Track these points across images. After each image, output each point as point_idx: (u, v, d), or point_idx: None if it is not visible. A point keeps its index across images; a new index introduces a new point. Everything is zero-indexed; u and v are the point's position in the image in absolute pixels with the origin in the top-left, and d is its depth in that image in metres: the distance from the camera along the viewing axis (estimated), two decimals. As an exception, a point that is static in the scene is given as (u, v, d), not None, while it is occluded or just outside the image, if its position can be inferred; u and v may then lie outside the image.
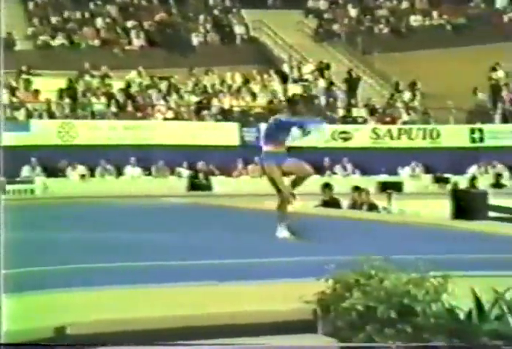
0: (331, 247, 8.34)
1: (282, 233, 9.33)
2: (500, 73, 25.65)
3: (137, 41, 27.69)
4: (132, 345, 4.76)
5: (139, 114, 23.85)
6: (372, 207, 14.93)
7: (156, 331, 4.94)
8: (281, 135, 9.55)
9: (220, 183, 22.36)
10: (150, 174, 22.69)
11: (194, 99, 24.80)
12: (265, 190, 20.76)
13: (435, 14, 30.40)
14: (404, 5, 31.04)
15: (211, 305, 5.38)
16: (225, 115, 24.35)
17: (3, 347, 4.53)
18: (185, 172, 22.74)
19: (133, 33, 27.85)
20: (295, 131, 9.79)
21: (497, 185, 21.75)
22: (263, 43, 29.16)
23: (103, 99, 23.91)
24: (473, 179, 20.87)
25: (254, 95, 25.04)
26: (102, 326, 4.85)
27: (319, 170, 22.98)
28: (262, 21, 29.33)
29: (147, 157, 22.58)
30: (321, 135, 10.57)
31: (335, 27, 29.92)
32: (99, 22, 27.91)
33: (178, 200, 17.38)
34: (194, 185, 22.12)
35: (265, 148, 9.51)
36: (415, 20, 30.35)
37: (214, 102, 24.72)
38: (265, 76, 26.04)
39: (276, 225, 9.42)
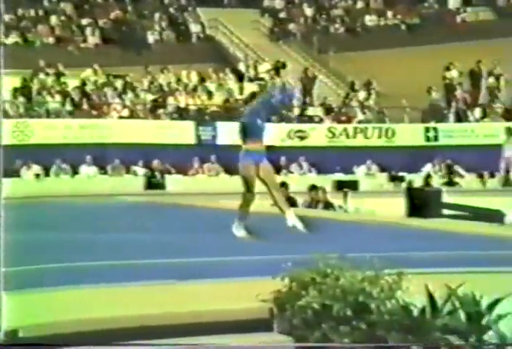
0: (287, 246, 8.39)
1: (240, 231, 9.31)
2: (453, 73, 25.93)
3: (92, 39, 27.51)
4: (89, 346, 4.75)
5: (94, 112, 23.69)
6: (328, 206, 15.04)
7: (112, 331, 4.93)
8: (258, 131, 9.50)
9: (176, 182, 22.31)
10: (105, 172, 22.56)
11: (150, 97, 24.71)
12: (221, 189, 20.82)
13: (389, 14, 30.66)
14: (359, 5, 31.25)
15: (168, 303, 5.38)
16: (181, 113, 24.29)
17: (3, 347, 4.50)
18: (141, 171, 22.66)
19: (88, 31, 27.67)
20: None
21: (451, 183, 22.00)
22: (219, 42, 29.16)
23: (58, 98, 23.71)
24: (428, 177, 21.09)
25: (210, 94, 25.02)
26: (57, 328, 4.83)
27: (276, 169, 23.07)
28: (218, 20, 29.33)
29: (102, 156, 22.45)
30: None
31: (291, 26, 30.02)
32: (53, 19, 27.67)
33: (134, 198, 17.33)
34: (151, 184, 22.05)
35: (245, 146, 9.45)
36: (370, 20, 30.57)
37: (170, 100, 24.65)
38: (221, 75, 26.03)
39: (234, 222, 9.40)
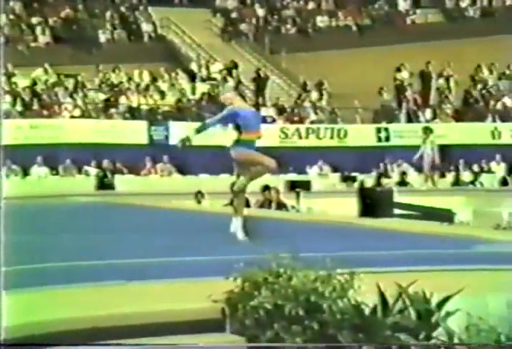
0: (239, 246, 8.39)
1: (238, 232, 8.91)
2: (404, 74, 26.18)
3: (43, 38, 27.22)
4: (38, 346, 4.70)
5: (45, 112, 23.46)
6: (281, 206, 15.08)
7: (62, 332, 4.88)
8: (256, 122, 9.34)
9: (128, 182, 22.19)
10: (57, 173, 22.35)
11: (101, 96, 24.54)
12: (173, 189, 20.75)
13: (341, 15, 30.85)
14: (311, 6, 31.39)
15: (118, 304, 5.35)
16: (133, 113, 24.17)
17: (3, 347, 4.43)
18: (93, 171, 22.49)
19: (38, 30, 27.38)
20: None
21: (402, 183, 22.21)
22: (171, 42, 29.07)
23: (8, 98, 23.42)
24: (380, 177, 21.27)
25: (162, 93, 24.93)
26: (4, 331, 4.77)
27: (228, 169, 23.07)
28: (170, 19, 29.24)
29: (54, 156, 22.23)
30: None
31: (243, 26, 30.04)
32: (2, 18, 27.32)
33: (87, 199, 17.20)
34: (103, 184, 21.90)
35: (243, 136, 9.15)
36: (321, 21, 30.73)
37: (122, 100, 24.51)
38: (173, 75, 25.96)
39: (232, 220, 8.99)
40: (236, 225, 8.98)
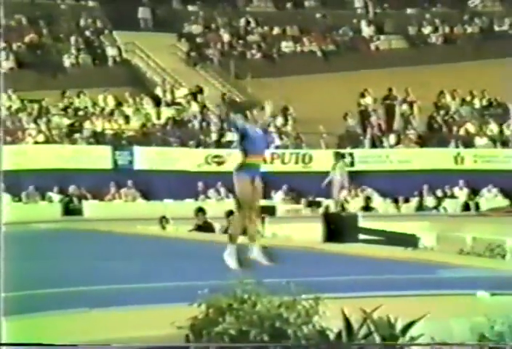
0: (204, 271, 8.37)
1: (232, 261, 8.45)
2: (368, 100, 26.41)
3: (6, 63, 27.10)
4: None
5: (8, 138, 23.28)
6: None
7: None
8: (263, 145, 8.82)
9: (93, 207, 22.06)
10: (20, 200, 22.15)
11: (66, 122, 24.44)
12: (138, 214, 20.63)
13: (305, 40, 31.12)
14: (276, 31, 31.64)
15: (83, 332, 5.30)
16: (98, 138, 24.09)
17: (3, 347, 4.37)
18: (56, 197, 22.34)
19: (2, 55, 27.26)
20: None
21: (367, 207, 22.33)
22: (136, 66, 29.09)
23: (-30, 123, 23.26)
24: (344, 202, 21.31)
25: (127, 118, 24.89)
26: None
27: (193, 194, 23.05)
28: (135, 43, 29.28)
29: (16, 183, 22.02)
30: None
31: (208, 51, 30.16)
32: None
33: (51, 226, 17.06)
34: (68, 210, 21.74)
35: (247, 160, 8.58)
36: (286, 46, 30.96)
37: (87, 125, 24.43)
38: (138, 99, 25.94)
39: (226, 249, 8.52)
40: (230, 253, 8.51)
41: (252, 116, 8.80)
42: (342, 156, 21.22)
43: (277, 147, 25.14)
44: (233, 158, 24.08)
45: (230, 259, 8.46)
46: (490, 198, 24.39)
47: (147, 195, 23.02)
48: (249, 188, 8.62)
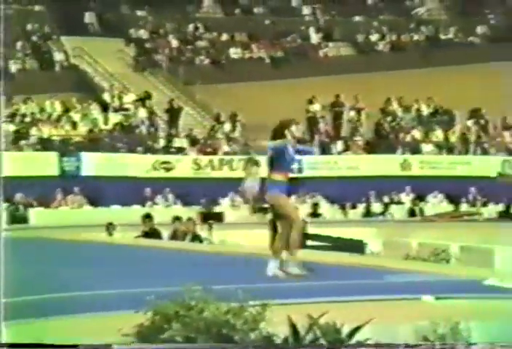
0: (151, 278, 8.34)
1: (275, 272, 8.52)
2: (316, 106, 26.56)
3: (-50, 68, 26.72)
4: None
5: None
6: (196, 237, 15.04)
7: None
8: (289, 163, 8.82)
9: (39, 215, 21.81)
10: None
11: (12, 128, 24.14)
12: (84, 221, 20.43)
13: (254, 47, 31.20)
14: (224, 37, 31.67)
15: (29, 341, 5.25)
16: (45, 144, 23.84)
17: (3, 348, 4.28)
18: (1, 205, 22.00)
19: None
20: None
21: (315, 214, 22.44)
22: (83, 71, 28.88)
23: None
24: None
25: (74, 124, 24.68)
26: None
27: (141, 200, 22.93)
28: (83, 48, 29.07)
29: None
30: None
31: (157, 56, 30.07)
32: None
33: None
34: (14, 218, 21.44)
35: (273, 176, 8.64)
36: (235, 53, 31.01)
37: (33, 131, 24.17)
38: (86, 105, 25.74)
39: (269, 264, 8.55)
40: (275, 267, 8.57)
41: (291, 133, 8.97)
42: (255, 163, 21.28)
43: (225, 153, 25.13)
44: (182, 164, 24.06)
45: (278, 272, 8.53)
46: (436, 203, 24.71)
47: (94, 202, 22.84)
48: (284, 199, 8.69)
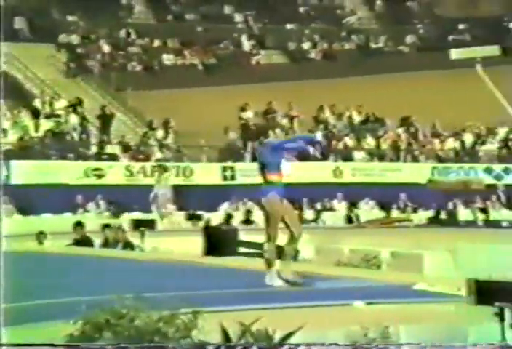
0: (82, 287, 8.27)
1: (275, 281, 8.37)
2: (249, 113, 26.63)
3: None
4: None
5: None
6: (128, 245, 14.95)
7: None
8: (278, 161, 8.62)
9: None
10: None
11: None
12: (14, 230, 20.07)
13: (187, 53, 31.16)
14: (156, 43, 31.57)
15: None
16: (-28, 152, 23.41)
17: (3, 347, 4.15)
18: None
19: None
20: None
21: (247, 221, 22.47)
22: (13, 77, 28.46)
23: None
24: (229, 217, 21.39)
25: (4, 131, 24.28)
26: None
27: (72, 208, 22.68)
28: (13, 54, 28.66)
29: None
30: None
31: (88, 62, 29.81)
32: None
33: None
34: None
35: (269, 177, 8.49)
36: (168, 59, 30.93)
37: (-40, 138, 23.71)
38: (16, 112, 25.36)
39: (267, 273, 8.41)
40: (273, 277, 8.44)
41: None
42: (165, 169, 21.31)
43: (158, 160, 25.01)
44: (113, 170, 23.87)
45: (276, 282, 8.38)
46: (367, 210, 25.00)
47: (24, 210, 22.50)
48: (281, 206, 8.62)
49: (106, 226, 15.23)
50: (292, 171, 25.05)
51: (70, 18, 31.73)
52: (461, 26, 33.93)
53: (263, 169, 8.61)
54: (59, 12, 31.79)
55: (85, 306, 5.08)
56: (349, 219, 24.27)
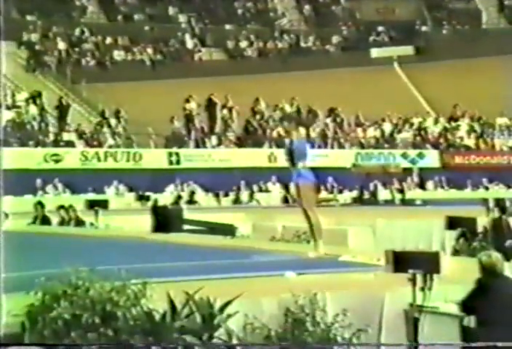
0: (42, 261, 8.16)
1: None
2: (192, 105, 26.54)
3: None
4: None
5: None
6: (79, 223, 14.81)
7: None
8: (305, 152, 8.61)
9: None
10: None
11: None
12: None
13: (136, 50, 30.93)
14: (108, 40, 31.23)
15: None
16: None
17: (3, 348, 3.99)
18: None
19: None
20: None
21: (191, 201, 22.43)
22: (-24, 72, 27.84)
23: None
24: (179, 197, 21.36)
25: (-33, 120, 23.78)
26: None
27: (32, 190, 22.38)
28: (-25, 50, 28.01)
29: None
30: None
31: (46, 58, 29.38)
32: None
33: None
34: None
35: (301, 165, 8.44)
36: (118, 55, 30.62)
37: None
38: (-22, 103, 24.82)
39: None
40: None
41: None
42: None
43: (110, 146, 24.82)
44: (70, 156, 23.59)
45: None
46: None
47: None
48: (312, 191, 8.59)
49: (61, 207, 15.06)
50: (231, 157, 25.14)
51: (28, 18, 31.17)
52: (380, 28, 34.27)
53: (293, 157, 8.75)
54: (18, 12, 31.18)
55: (44, 279, 5.01)
56: (286, 200, 24.37)
